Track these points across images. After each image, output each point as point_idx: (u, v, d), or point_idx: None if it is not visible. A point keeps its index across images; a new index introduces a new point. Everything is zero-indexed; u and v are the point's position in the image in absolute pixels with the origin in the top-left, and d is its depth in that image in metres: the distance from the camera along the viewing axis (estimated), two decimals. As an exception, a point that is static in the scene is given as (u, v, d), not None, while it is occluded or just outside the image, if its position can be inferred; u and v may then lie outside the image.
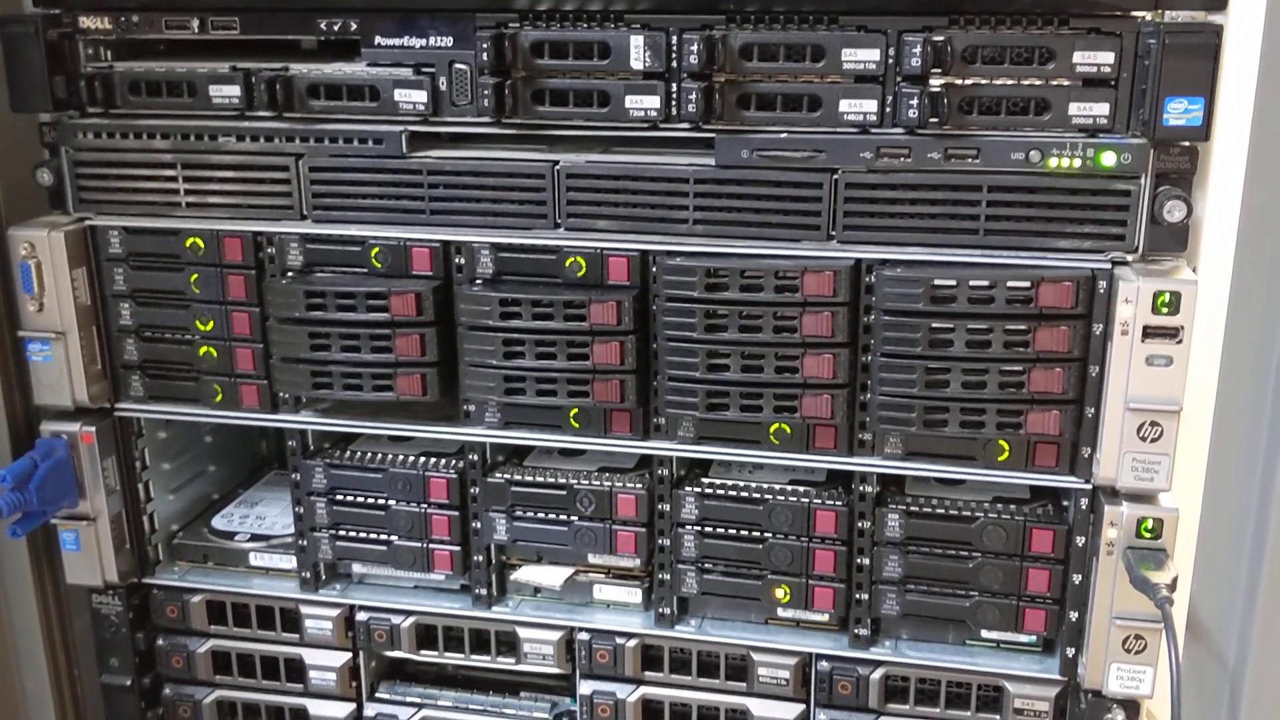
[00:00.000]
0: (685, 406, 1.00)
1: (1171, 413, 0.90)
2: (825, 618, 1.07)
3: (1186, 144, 0.88)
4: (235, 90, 1.02)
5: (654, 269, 0.96)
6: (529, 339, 1.00)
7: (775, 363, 0.97)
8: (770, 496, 1.03)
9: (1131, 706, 0.98)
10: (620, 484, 1.06)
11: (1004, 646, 1.00)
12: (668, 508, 1.05)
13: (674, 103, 0.94)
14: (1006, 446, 0.97)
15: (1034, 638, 1.03)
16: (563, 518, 1.03)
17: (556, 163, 0.99)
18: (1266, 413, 0.87)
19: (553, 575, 1.07)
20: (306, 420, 1.11)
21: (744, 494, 1.04)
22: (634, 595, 1.07)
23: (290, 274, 1.06)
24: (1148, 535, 0.93)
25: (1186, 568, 0.94)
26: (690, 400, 0.99)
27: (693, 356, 0.98)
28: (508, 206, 1.01)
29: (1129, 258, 0.92)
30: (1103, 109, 0.89)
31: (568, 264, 1.00)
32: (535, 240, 0.96)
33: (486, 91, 0.96)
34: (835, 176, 0.94)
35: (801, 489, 1.04)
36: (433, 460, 1.10)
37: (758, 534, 1.04)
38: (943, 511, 1.01)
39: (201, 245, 1.03)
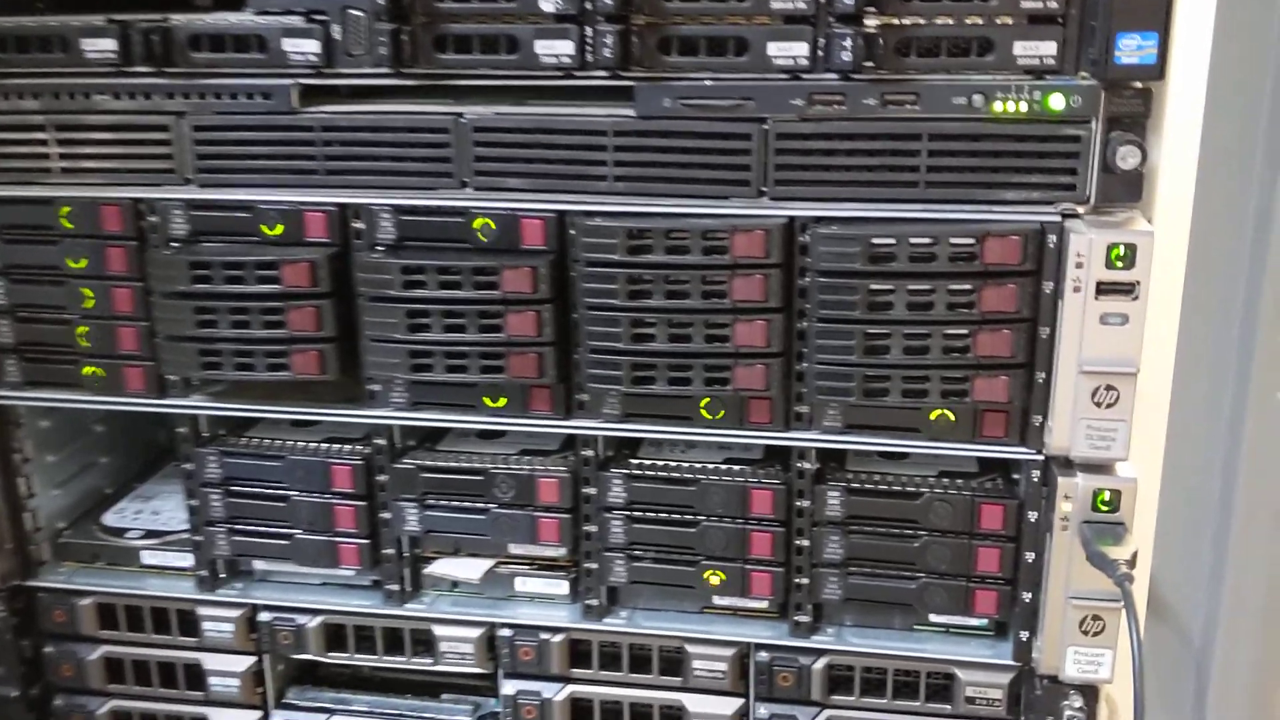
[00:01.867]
0: (609, 381, 0.92)
1: (1128, 375, 0.83)
2: (764, 605, 1.00)
3: (1140, 85, 0.82)
4: (111, 44, 0.93)
5: (571, 231, 0.87)
6: (435, 310, 0.92)
7: (705, 331, 0.89)
8: (703, 476, 0.96)
9: (1090, 692, 0.92)
10: (542, 467, 0.98)
11: (954, 631, 0.93)
12: (593, 491, 0.97)
13: (589, 48, 0.86)
14: (953, 416, 0.90)
15: (985, 621, 0.97)
16: (480, 505, 0.95)
17: (461, 116, 0.90)
18: (1230, 373, 0.81)
19: (471, 568, 0.99)
20: (197, 405, 1.01)
21: (675, 475, 0.97)
22: (560, 587, 0.99)
23: (174, 244, 0.96)
24: (1104, 508, 0.87)
25: (1147, 542, 0.88)
26: (614, 374, 0.91)
27: (615, 326, 0.90)
28: (410, 165, 0.92)
29: (1080, 209, 0.85)
30: (1049, 48, 0.82)
31: (477, 227, 0.92)
32: (440, 201, 0.88)
33: (384, 39, 0.88)
34: (765, 127, 0.87)
35: (736, 467, 0.97)
36: (335, 446, 1.02)
37: (690, 517, 0.96)
38: (886, 488, 0.94)
39: (76, 215, 0.93)
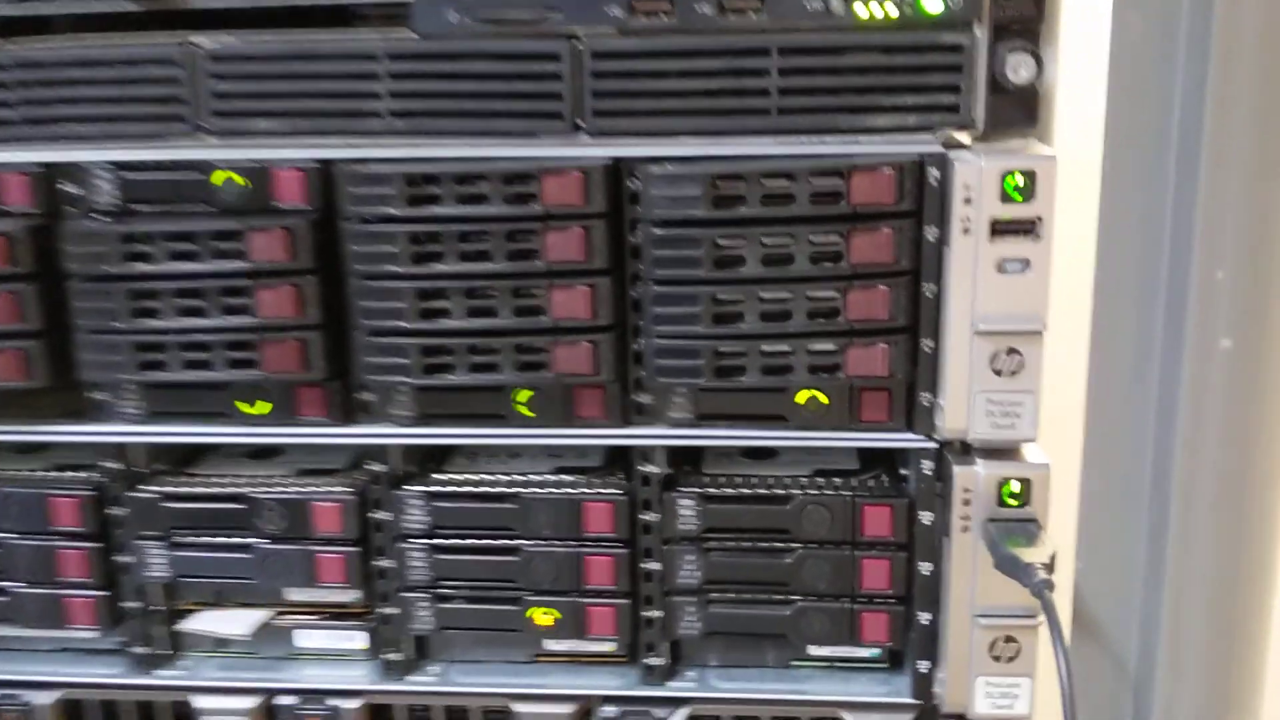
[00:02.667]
0: (395, 372, 0.73)
1: (1033, 334, 0.68)
2: (608, 647, 0.81)
3: (1030, -21, 0.67)
4: None
5: (339, 183, 0.68)
6: (166, 289, 0.72)
7: (513, 301, 0.71)
8: (524, 490, 0.76)
9: (1004, 730, 0.75)
10: (317, 489, 0.78)
11: (839, 666, 0.78)
12: (386, 517, 0.77)
13: (352, -48, 0.68)
14: (824, 398, 0.73)
15: (876, 651, 0.80)
16: (244, 541, 0.73)
17: (194, 43, 0.71)
18: (1160, 325, 0.66)
19: (238, 621, 0.79)
20: None
21: (488, 490, 0.77)
22: (353, 640, 0.80)
23: None
24: (1013, 502, 0.71)
25: (1067, 543, 0.72)
26: (401, 363, 0.72)
27: (399, 300, 0.71)
28: (131, 110, 0.73)
29: (965, 137, 0.69)
30: (921, -65, 0.67)
31: (218, 183, 0.72)
32: (172, 154, 0.68)
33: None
34: (577, 44, 0.69)
35: (568, 478, 0.78)
36: (56, 474, 0.80)
37: (511, 543, 0.77)
38: (749, 492, 0.76)
39: None
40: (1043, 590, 0.65)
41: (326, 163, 0.72)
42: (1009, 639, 0.73)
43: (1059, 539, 0.69)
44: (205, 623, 0.83)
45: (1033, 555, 0.67)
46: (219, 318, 0.73)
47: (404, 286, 0.71)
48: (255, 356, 0.73)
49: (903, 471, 0.79)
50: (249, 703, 0.82)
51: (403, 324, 0.72)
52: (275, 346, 0.73)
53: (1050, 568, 0.66)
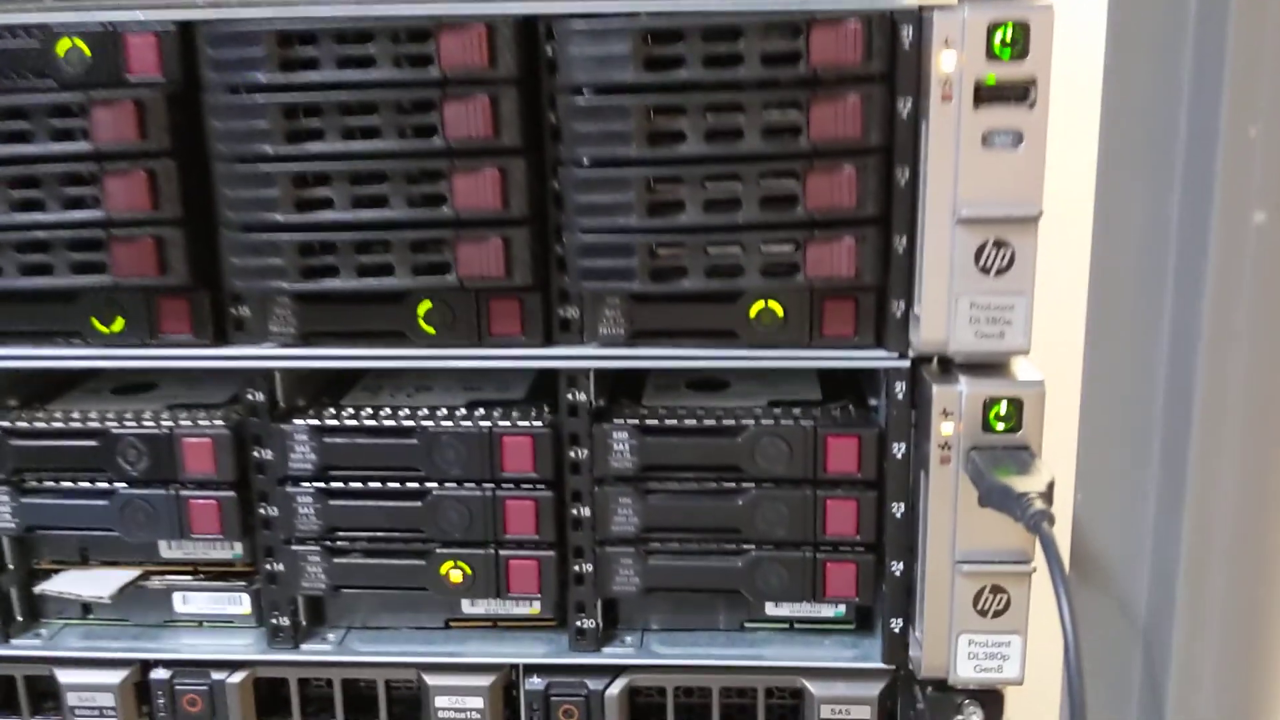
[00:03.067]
0: (270, 275, 0.61)
1: (1025, 221, 0.57)
2: (533, 609, 0.70)
3: None
4: None
5: (201, 50, 0.57)
6: (-8, 176, 0.60)
7: (407, 188, 0.59)
8: (429, 424, 0.65)
9: (992, 701, 0.65)
10: (188, 424, 0.66)
11: (800, 627, 0.66)
12: (268, 455, 0.66)
13: None
14: (780, 309, 0.62)
15: (841, 610, 0.69)
16: (103, 486, 0.61)
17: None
18: (1176, 197, 0.55)
19: (102, 581, 0.66)
20: None
21: (387, 424, 0.66)
22: (237, 603, 0.67)
23: None
24: (1002, 427, 0.60)
25: (1066, 474, 0.61)
26: (276, 264, 0.61)
27: (271, 187, 0.60)
28: (-48, -39, 0.60)
29: (944, -12, 0.58)
30: None
31: (62, 54, 0.60)
32: (6, 18, 0.57)
33: None
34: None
35: (480, 411, 0.66)
36: (-124, 407, 0.68)
37: (415, 486, 0.65)
38: (694, 423, 0.65)
39: None
40: (1040, 523, 0.54)
41: (186, 25, 0.60)
42: (996, 589, 0.62)
43: (1056, 471, 0.59)
44: (64, 584, 0.72)
45: (1027, 484, 0.56)
46: (59, 211, 0.61)
47: (277, 170, 0.60)
48: (103, 258, 0.61)
49: (871, 403, 0.68)
50: (116, 676, 0.71)
51: (276, 216, 0.60)
52: (127, 246, 0.61)
53: (1048, 497, 0.55)
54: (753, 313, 0.63)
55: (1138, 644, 0.59)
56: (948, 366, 0.62)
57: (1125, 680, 0.60)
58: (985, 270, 0.58)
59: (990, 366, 0.61)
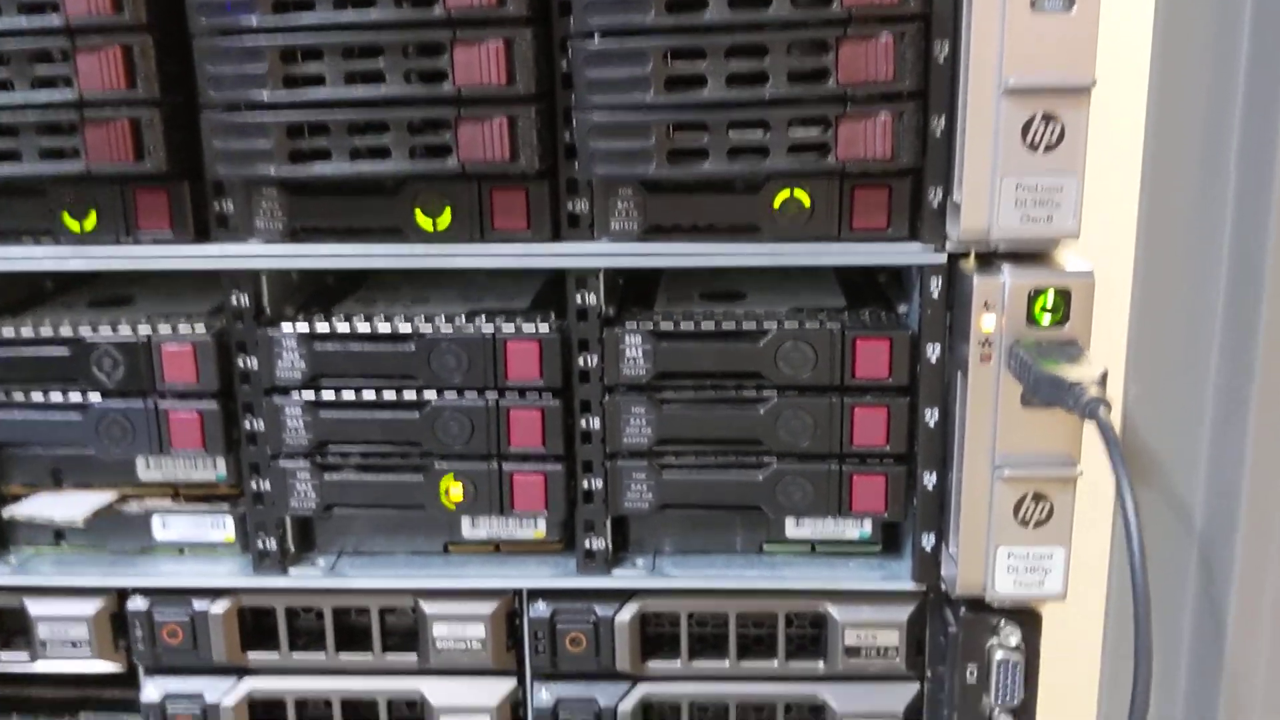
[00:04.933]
0: (255, 160, 0.57)
1: (1078, 92, 0.53)
2: (538, 532, 0.65)
3: None
4: None
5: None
6: (-49, 49, 0.55)
7: (401, 63, 0.55)
8: (429, 330, 0.60)
9: (1031, 622, 0.61)
10: (167, 330, 0.61)
11: (823, 550, 0.61)
12: (254, 364, 0.61)
13: None
14: (806, 199, 0.57)
15: (867, 529, 0.65)
16: (77, 399, 0.57)
17: None
18: (1240, 68, 0.50)
19: (76, 504, 0.61)
20: None
21: (383, 329, 0.61)
22: (221, 527, 0.63)
23: None
24: (1047, 320, 0.56)
25: (1115, 370, 0.56)
26: (261, 147, 0.56)
27: (256, 62, 0.55)
28: None
29: None
30: None
31: (24, -82, 0.55)
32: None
33: None
34: None
35: (483, 318, 0.62)
36: None
37: (413, 395, 0.61)
38: (712, 327, 0.60)
39: None
40: (1097, 410, 0.50)
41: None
42: (1039, 496, 0.58)
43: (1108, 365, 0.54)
44: (34, 507, 0.67)
45: (1079, 374, 0.52)
46: (26, 91, 0.56)
47: (262, 44, 0.55)
48: (75, 143, 0.56)
49: (901, 309, 0.63)
50: (90, 607, 0.66)
51: (263, 94, 0.55)
52: (100, 129, 0.56)
53: (1103, 385, 0.51)
54: (777, 203, 0.58)
55: (1193, 549, 0.55)
56: (991, 257, 0.57)
57: (1178, 591, 0.56)
58: (1033, 147, 0.54)
59: (1035, 256, 0.57)
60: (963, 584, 0.60)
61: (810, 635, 0.67)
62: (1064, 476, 0.57)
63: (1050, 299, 0.56)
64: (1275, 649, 0.52)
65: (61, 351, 0.62)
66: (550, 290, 0.68)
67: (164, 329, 0.62)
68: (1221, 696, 0.53)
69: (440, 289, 0.69)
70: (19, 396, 0.63)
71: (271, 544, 0.65)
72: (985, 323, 0.56)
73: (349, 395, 0.62)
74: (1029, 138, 0.54)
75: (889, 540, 0.67)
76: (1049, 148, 0.54)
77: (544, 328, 0.61)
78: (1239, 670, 0.52)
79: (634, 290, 0.68)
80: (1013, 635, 0.62)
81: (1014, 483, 0.57)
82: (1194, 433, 0.53)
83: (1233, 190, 0.50)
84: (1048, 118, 0.53)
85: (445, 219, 0.59)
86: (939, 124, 0.56)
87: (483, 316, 0.62)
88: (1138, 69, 0.55)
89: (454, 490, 0.63)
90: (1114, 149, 0.59)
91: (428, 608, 0.66)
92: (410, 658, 0.67)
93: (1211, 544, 0.54)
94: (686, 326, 0.61)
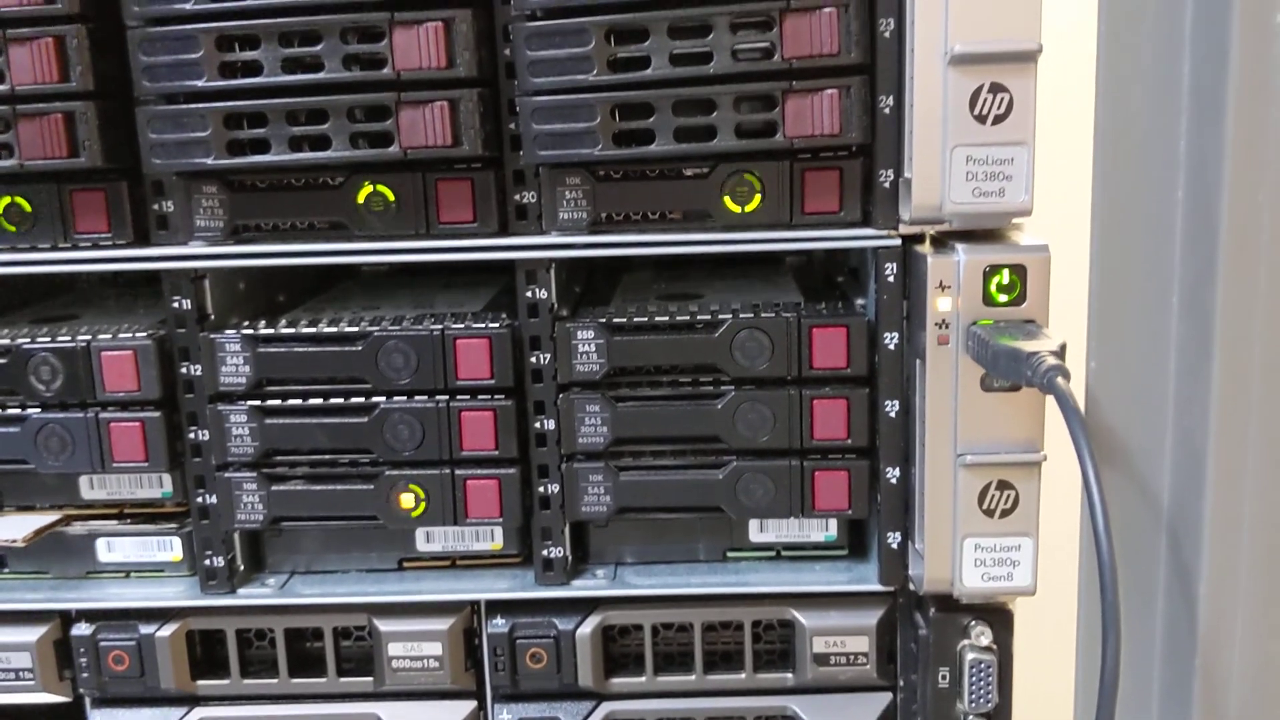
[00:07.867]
0: (192, 151, 0.56)
1: (1024, 59, 0.52)
2: (495, 543, 0.63)
3: None
4: None
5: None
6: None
7: (340, 48, 0.53)
8: (375, 329, 0.59)
9: (1000, 619, 0.58)
10: (106, 337, 0.59)
11: (788, 555, 0.59)
12: (197, 370, 0.59)
13: None
14: (757, 182, 0.56)
15: (832, 532, 0.63)
16: (14, 411, 0.55)
17: None
18: (1185, 27, 0.50)
19: (16, 526, 0.59)
20: None
21: (333, 332, 0.60)
22: (167, 548, 0.61)
23: None
24: (1004, 299, 0.54)
25: (1076, 345, 0.55)
26: (197, 138, 0.55)
27: (192, 49, 0.54)
28: None
29: None
30: None
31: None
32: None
33: None
34: None
35: (432, 318, 0.60)
36: None
37: (361, 399, 0.59)
38: (666, 319, 0.59)
39: None
40: (1054, 380, 0.48)
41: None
42: (1003, 484, 0.56)
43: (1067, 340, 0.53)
44: (-27, 528, 0.64)
45: (1037, 345, 0.50)
46: (-27, 81, 0.55)
47: (198, 30, 0.54)
48: (9, 139, 0.55)
49: (859, 303, 0.62)
50: (33, 633, 0.64)
51: (198, 83, 0.54)
52: (33, 124, 0.55)
53: (1060, 355, 0.50)
54: (727, 189, 0.57)
55: (1160, 529, 0.53)
56: (942, 243, 0.56)
57: (1149, 578, 0.54)
58: (982, 119, 0.53)
59: (989, 234, 0.56)
60: (930, 580, 0.58)
61: (779, 648, 0.65)
62: (1028, 461, 0.55)
63: (1006, 276, 0.54)
64: (1250, 620, 0.50)
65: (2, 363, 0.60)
66: (504, 297, 0.66)
67: (104, 336, 0.60)
68: (1197, 675, 0.51)
69: (392, 298, 0.68)
70: (-46, 411, 0.62)
71: (219, 561, 0.63)
72: (941, 304, 0.55)
73: (296, 401, 0.61)
74: (977, 108, 0.53)
75: (855, 543, 0.64)
76: (998, 118, 0.53)
77: (494, 325, 0.60)
78: (1213, 643, 0.50)
79: (589, 292, 0.67)
80: (984, 635, 0.59)
81: (977, 469, 0.55)
82: (1158, 406, 0.52)
83: (1184, 159, 0.48)
84: (995, 88, 0.53)
85: (391, 207, 0.57)
86: (888, 102, 0.55)
87: (431, 317, 0.61)
88: (1087, 42, 0.55)
89: (406, 502, 0.60)
90: (1067, 125, 0.58)
91: (382, 625, 0.63)
92: (366, 681, 0.64)
93: (1181, 518, 0.52)
94: (640, 320, 0.60)
